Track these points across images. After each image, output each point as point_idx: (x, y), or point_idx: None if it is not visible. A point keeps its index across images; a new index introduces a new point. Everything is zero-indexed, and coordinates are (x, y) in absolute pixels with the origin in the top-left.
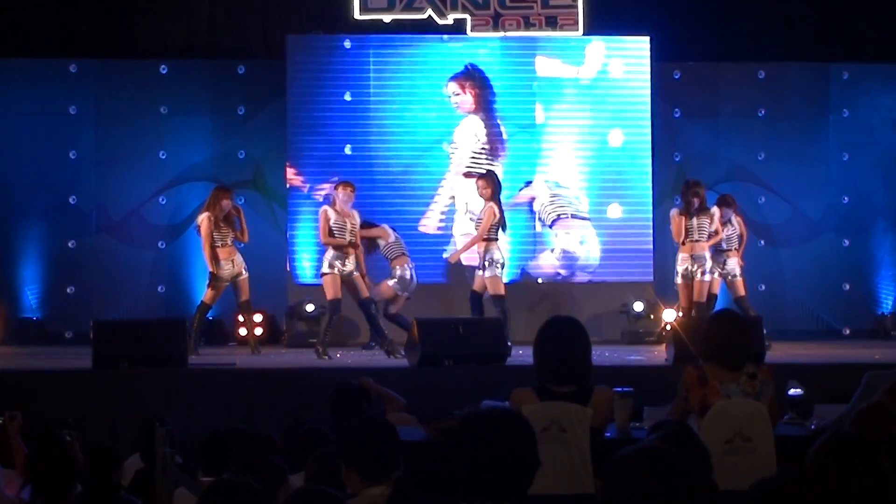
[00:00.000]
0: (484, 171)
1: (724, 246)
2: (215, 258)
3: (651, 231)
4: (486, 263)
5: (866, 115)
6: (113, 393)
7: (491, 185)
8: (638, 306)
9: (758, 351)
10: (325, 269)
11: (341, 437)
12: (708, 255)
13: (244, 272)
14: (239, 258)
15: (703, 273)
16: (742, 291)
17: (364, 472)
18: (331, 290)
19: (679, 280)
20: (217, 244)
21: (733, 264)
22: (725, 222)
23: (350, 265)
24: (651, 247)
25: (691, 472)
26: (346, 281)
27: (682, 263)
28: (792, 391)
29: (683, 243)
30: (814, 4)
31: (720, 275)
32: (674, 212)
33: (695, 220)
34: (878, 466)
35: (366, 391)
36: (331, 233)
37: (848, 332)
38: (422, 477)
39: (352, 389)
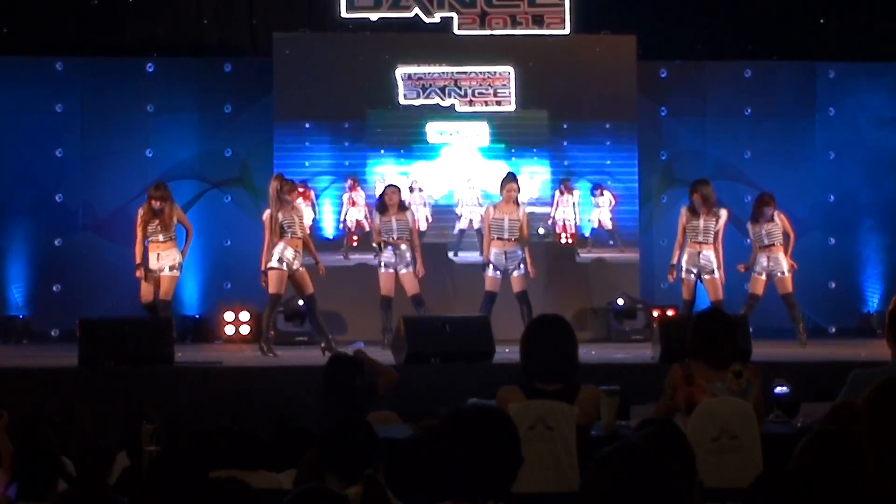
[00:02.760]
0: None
1: (766, 241)
2: (143, 252)
3: (637, 229)
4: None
5: (852, 114)
6: (99, 391)
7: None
8: (626, 309)
9: (744, 349)
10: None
11: (318, 439)
12: (713, 255)
13: (170, 271)
14: (170, 254)
15: (710, 272)
16: (790, 288)
17: (341, 472)
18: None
19: (683, 275)
20: (148, 238)
21: (777, 260)
22: (768, 220)
23: (298, 260)
24: (637, 245)
25: (671, 470)
26: (292, 276)
27: (687, 261)
28: (778, 389)
29: (689, 241)
30: (800, 3)
31: (767, 272)
32: (683, 209)
33: (701, 221)
34: (862, 461)
35: (359, 363)
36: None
37: (834, 330)
38: (406, 475)
39: (344, 361)
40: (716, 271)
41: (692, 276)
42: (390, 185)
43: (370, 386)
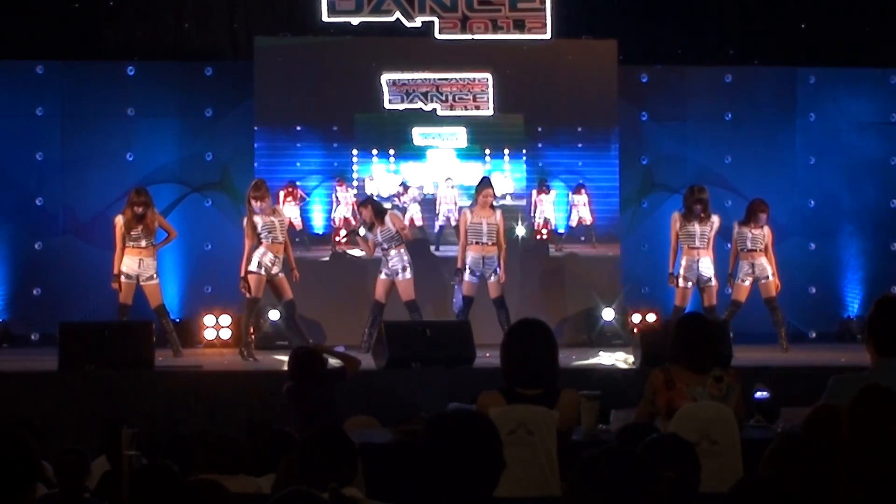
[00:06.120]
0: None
1: (749, 246)
2: (121, 258)
3: (614, 230)
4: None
5: (833, 120)
6: (79, 395)
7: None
8: (607, 314)
9: (724, 354)
10: (253, 267)
11: (298, 446)
12: (710, 261)
13: (152, 278)
14: (149, 262)
15: (707, 281)
16: (773, 293)
17: (313, 483)
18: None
19: (680, 283)
20: (128, 245)
21: (762, 265)
22: (759, 226)
23: (277, 266)
24: (619, 251)
25: (655, 472)
26: (271, 281)
27: (685, 269)
28: (758, 394)
29: (685, 248)
30: (781, 9)
31: (752, 279)
32: (675, 215)
33: (697, 227)
34: (829, 466)
35: (319, 354)
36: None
37: (814, 335)
38: (387, 480)
39: (307, 351)
40: (712, 279)
41: (689, 284)
42: (361, 202)
43: (338, 370)
